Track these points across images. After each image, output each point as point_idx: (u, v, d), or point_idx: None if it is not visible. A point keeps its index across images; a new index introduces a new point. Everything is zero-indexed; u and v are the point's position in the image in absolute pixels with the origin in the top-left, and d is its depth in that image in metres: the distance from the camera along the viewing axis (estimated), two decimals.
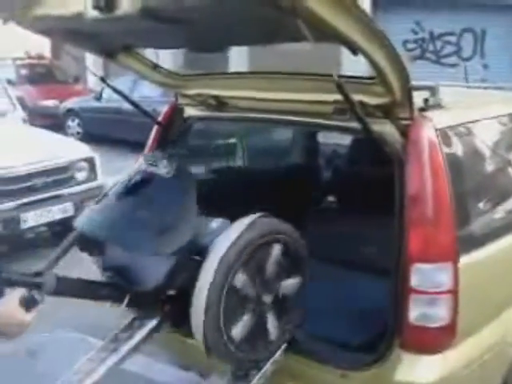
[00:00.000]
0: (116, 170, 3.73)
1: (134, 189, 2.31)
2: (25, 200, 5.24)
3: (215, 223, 2.29)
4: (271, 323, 2.34)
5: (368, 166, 3.55)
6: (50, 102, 12.92)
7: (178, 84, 2.98)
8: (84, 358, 2.33)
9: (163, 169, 2.30)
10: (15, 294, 1.91)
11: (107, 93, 10.34)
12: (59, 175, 5.56)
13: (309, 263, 2.43)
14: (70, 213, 5.44)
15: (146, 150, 3.15)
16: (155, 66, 2.90)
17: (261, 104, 2.66)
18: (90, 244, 2.40)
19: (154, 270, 2.23)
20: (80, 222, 2.36)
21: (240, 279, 2.20)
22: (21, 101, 10.14)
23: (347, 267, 2.97)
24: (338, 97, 1.98)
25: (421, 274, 2.12)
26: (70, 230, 2.55)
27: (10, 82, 11.35)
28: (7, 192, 5.16)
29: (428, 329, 2.15)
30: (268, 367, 2.35)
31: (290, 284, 2.38)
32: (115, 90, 3.11)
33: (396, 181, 2.20)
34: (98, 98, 11.18)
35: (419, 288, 2.13)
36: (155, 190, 2.29)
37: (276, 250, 2.30)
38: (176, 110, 3.11)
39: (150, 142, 3.16)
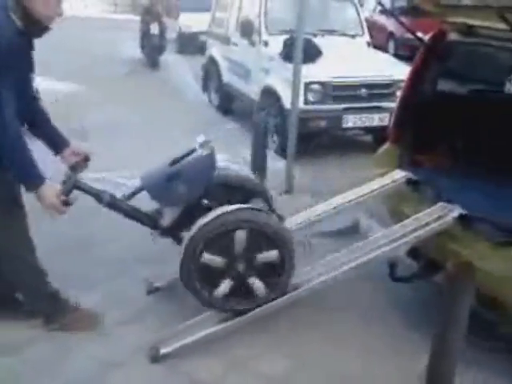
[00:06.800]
0: None
1: (177, 160, 3.16)
2: (350, 105, 6.51)
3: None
4: (255, 284, 3.01)
5: None
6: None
7: (442, 12, 3.72)
8: None
9: (200, 151, 3.14)
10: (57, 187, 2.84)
11: None
12: (383, 90, 6.64)
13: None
14: (385, 123, 6.49)
15: (414, 65, 3.99)
16: None
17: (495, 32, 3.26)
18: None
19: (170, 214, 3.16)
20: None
21: (207, 256, 2.94)
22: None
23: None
24: None
25: None
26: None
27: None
28: (337, 96, 6.49)
29: None
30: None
31: (267, 256, 3.01)
32: None
33: None
34: None
35: None
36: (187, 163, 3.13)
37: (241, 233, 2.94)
38: (440, 34, 3.84)
39: (416, 58, 3.98)
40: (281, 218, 3.30)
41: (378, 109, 6.57)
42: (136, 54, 13.43)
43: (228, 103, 8.82)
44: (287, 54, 6.35)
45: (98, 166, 5.61)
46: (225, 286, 3.00)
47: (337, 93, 6.45)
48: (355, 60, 7.04)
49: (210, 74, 9.19)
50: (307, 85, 6.18)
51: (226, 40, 8.59)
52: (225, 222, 2.94)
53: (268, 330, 3.25)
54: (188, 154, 3.18)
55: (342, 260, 3.17)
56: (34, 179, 2.78)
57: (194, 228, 2.96)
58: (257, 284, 3.02)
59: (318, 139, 6.63)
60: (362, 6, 11.04)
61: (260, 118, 4.25)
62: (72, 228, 4.16)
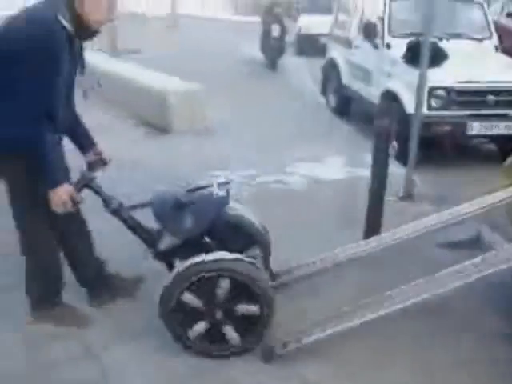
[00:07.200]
0: None
1: (192, 190, 3.10)
2: (475, 111, 6.27)
3: None
4: (229, 334, 2.95)
5: None
6: None
7: None
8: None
9: (216, 190, 3.06)
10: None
11: None
12: (511, 97, 6.33)
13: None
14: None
15: None
16: None
17: None
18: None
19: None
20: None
21: (187, 296, 2.88)
22: None
23: None
24: None
25: None
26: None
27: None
28: (462, 102, 6.26)
29: None
30: None
31: (246, 309, 2.91)
32: None
33: None
34: None
35: None
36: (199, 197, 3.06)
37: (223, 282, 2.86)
38: None
39: None
40: (272, 274, 3.26)
41: (505, 117, 6.28)
42: (256, 56, 13.67)
43: (346, 106, 8.77)
44: (410, 58, 6.22)
45: (221, 165, 5.89)
46: (200, 327, 2.97)
47: (462, 98, 6.23)
48: (482, 65, 6.79)
49: (330, 76, 9.18)
50: (431, 90, 6.03)
51: (347, 42, 8.55)
52: (205, 268, 2.88)
53: (376, 336, 3.18)
54: (204, 188, 3.12)
55: (463, 272, 3.06)
56: (56, 181, 2.84)
57: (173, 273, 2.94)
58: (231, 333, 2.97)
59: (441, 146, 6.44)
60: (488, 7, 10.59)
61: (382, 122, 4.18)
62: None
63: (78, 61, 2.98)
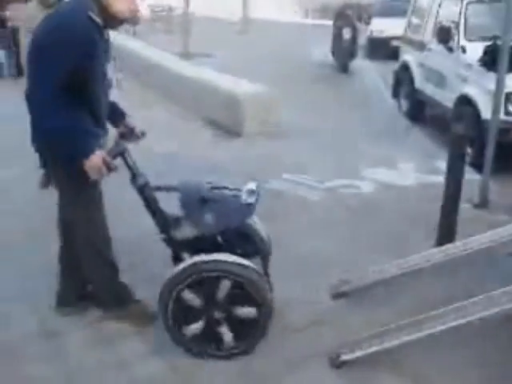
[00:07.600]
0: None
1: (218, 188, 3.07)
2: None
3: None
4: (225, 335, 2.97)
5: None
6: None
7: None
8: None
9: (245, 195, 3.01)
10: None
11: None
12: None
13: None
14: None
15: None
16: None
17: None
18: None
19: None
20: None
21: (187, 294, 2.90)
22: None
23: None
24: None
25: None
26: None
27: None
28: None
29: None
30: None
31: (244, 312, 2.93)
32: None
33: None
34: None
35: None
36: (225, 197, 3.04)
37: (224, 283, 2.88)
38: None
39: None
40: (270, 284, 3.16)
41: None
42: (327, 59, 13.60)
43: (418, 110, 8.62)
44: (487, 62, 6.05)
45: (291, 168, 5.91)
46: (195, 327, 2.98)
47: None
48: None
49: (402, 79, 9.05)
50: (508, 95, 5.84)
51: (420, 46, 8.41)
52: (209, 268, 2.90)
53: (456, 348, 3.09)
54: (229, 189, 3.09)
55: None
56: (88, 149, 2.87)
57: (178, 267, 2.94)
58: (226, 334, 2.98)
59: None
60: None
61: (459, 128, 4.08)
62: None
63: (108, 49, 3.10)
